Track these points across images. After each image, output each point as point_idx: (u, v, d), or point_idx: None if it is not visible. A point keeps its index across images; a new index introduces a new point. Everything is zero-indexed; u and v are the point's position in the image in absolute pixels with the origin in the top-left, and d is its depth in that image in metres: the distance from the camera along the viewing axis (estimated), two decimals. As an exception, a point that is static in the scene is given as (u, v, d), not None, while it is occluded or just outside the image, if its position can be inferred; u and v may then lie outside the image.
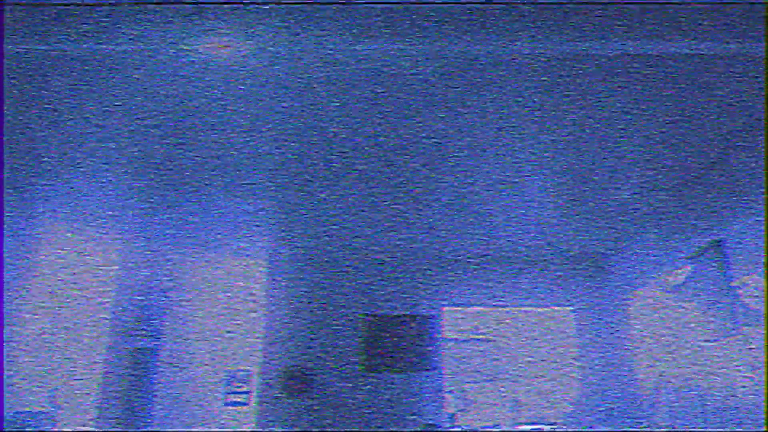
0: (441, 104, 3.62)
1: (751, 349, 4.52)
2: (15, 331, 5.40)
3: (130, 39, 2.25)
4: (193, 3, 2.17)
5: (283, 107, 3.65)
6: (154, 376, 6.87)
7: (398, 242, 6.90)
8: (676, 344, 6.08)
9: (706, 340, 5.39)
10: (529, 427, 7.79)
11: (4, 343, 5.25)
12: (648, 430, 6.45)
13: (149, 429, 6.68)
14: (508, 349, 9.03)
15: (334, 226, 6.27)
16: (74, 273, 6.33)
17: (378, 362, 7.14)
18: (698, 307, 5.53)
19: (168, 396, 6.95)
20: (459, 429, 7.47)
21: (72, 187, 5.02)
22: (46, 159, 4.40)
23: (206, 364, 7.44)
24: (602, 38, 2.32)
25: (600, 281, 7.61)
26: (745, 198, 4.88)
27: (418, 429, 6.82)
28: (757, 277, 4.46)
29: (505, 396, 8.74)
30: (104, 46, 2.31)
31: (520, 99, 3.55)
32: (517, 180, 4.87)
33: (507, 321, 9.00)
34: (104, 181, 4.87)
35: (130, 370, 6.65)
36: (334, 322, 7.31)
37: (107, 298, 6.69)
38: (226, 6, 2.19)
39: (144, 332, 6.86)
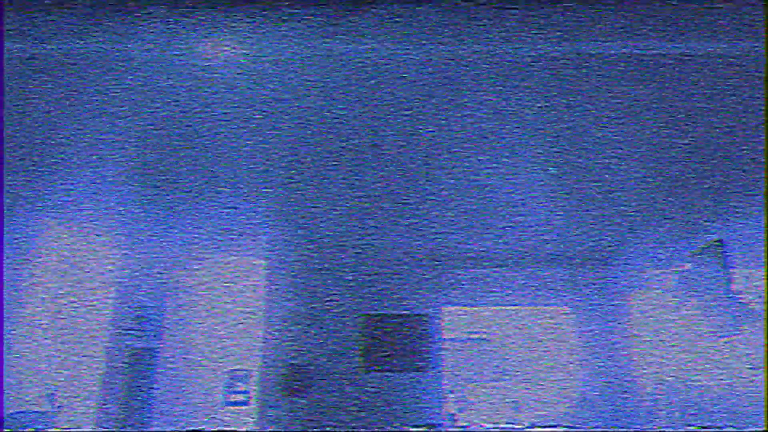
0: (439, 104, 3.62)
1: (750, 348, 4.52)
2: (15, 331, 5.40)
3: (131, 40, 2.25)
4: (194, 4, 2.17)
5: (281, 108, 3.65)
6: (154, 376, 6.87)
7: (397, 242, 6.90)
8: (676, 344, 6.07)
9: (705, 340, 5.39)
10: (528, 427, 7.79)
11: (4, 343, 5.25)
12: (648, 429, 6.45)
13: (149, 429, 6.68)
14: (507, 349, 9.03)
15: (334, 226, 6.27)
16: (74, 273, 6.33)
17: (377, 362, 7.14)
18: (698, 306, 5.52)
19: (168, 396, 6.94)
20: (459, 429, 7.47)
21: (71, 188, 5.02)
22: (46, 160, 4.40)
23: (206, 364, 7.44)
24: (602, 38, 2.32)
25: (600, 281, 7.61)
26: (745, 197, 4.88)
27: (418, 429, 6.82)
28: (757, 277, 4.46)
29: (505, 396, 8.73)
30: (104, 47, 2.31)
31: (519, 99, 3.56)
32: (516, 180, 4.88)
33: (507, 321, 9.00)
34: (104, 181, 4.87)
35: (130, 370, 6.65)
36: (333, 322, 7.31)
37: (107, 298, 6.69)
38: (226, 7, 2.19)
39: (144, 332, 6.86)
